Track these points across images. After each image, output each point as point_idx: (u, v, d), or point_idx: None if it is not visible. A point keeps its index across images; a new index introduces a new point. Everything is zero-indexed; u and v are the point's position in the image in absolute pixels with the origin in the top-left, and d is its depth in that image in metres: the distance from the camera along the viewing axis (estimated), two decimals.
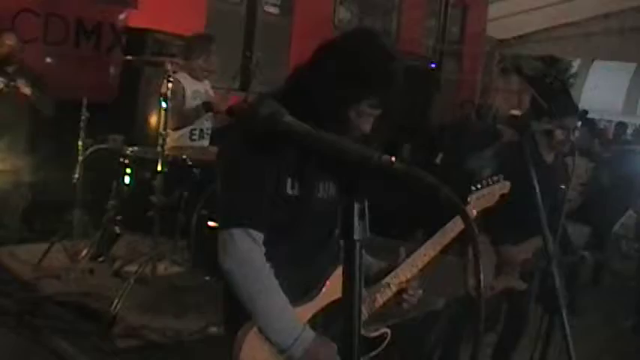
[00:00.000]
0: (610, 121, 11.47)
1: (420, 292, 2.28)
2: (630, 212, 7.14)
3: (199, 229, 4.63)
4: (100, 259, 4.91)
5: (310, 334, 2.01)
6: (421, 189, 1.10)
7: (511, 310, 4.00)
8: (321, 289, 2.09)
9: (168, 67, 4.33)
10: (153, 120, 6.22)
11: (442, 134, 8.58)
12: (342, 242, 1.23)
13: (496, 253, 3.67)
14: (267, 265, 1.98)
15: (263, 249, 1.98)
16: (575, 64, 13.72)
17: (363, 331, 2.16)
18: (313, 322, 2.06)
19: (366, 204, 1.21)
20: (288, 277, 2.00)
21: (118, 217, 4.70)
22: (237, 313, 2.02)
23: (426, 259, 2.28)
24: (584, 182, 7.21)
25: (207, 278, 4.69)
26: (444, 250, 2.37)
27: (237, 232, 1.94)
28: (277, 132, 1.27)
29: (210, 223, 4.71)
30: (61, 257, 4.87)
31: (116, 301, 4.10)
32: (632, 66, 13.65)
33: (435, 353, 3.74)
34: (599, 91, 12.13)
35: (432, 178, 1.12)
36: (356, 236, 1.17)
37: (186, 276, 4.76)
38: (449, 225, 2.31)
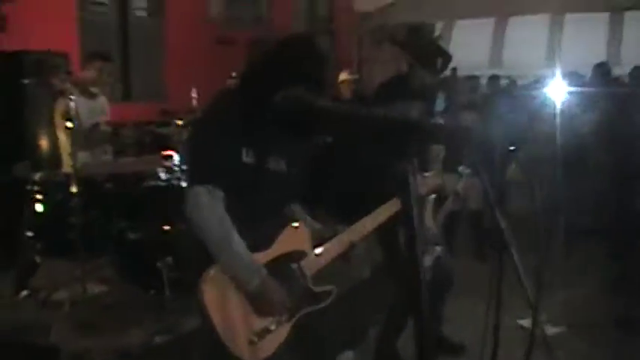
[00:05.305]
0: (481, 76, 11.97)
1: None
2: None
3: (121, 243, 4.58)
4: (24, 292, 4.74)
5: (264, 270, 2.33)
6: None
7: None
8: (272, 244, 2.42)
9: (68, 85, 4.23)
10: (45, 143, 6.02)
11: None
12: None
13: None
14: (226, 214, 2.29)
15: (223, 204, 2.30)
16: (439, 27, 14.21)
17: (311, 285, 2.50)
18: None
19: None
20: (242, 234, 2.30)
21: (38, 246, 4.56)
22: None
23: (365, 230, 2.65)
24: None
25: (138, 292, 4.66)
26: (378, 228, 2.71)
27: (200, 189, 2.29)
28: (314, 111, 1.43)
29: (132, 236, 4.66)
30: None
31: (53, 330, 4.00)
32: (492, 21, 14.25)
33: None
34: (465, 48, 12.65)
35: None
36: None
37: (116, 293, 4.69)
38: (387, 205, 2.57)
